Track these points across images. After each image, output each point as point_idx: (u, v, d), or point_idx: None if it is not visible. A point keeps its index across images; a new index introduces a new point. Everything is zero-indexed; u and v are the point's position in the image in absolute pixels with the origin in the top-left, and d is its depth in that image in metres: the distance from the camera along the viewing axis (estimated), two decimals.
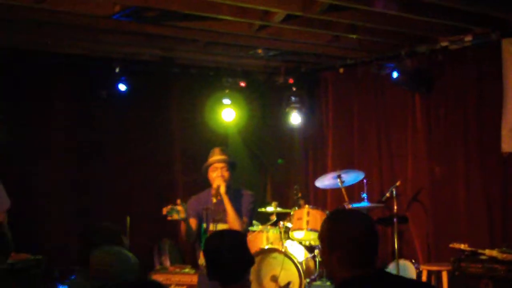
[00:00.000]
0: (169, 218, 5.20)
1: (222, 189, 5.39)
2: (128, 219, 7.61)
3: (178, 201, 5.26)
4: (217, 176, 5.46)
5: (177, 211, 5.18)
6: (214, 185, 5.43)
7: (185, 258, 8.59)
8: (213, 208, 5.37)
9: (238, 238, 3.81)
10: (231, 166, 5.58)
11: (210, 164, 5.54)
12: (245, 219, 5.50)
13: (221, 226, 5.36)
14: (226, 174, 5.50)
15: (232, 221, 5.36)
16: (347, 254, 2.83)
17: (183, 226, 5.32)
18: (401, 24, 6.98)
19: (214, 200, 5.37)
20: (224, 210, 5.41)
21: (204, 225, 5.46)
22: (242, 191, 5.68)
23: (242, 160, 9.44)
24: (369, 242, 2.88)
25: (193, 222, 5.47)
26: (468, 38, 7.34)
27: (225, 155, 5.55)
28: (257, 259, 7.51)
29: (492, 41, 7.21)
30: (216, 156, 5.54)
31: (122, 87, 8.12)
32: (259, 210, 8.06)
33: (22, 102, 7.77)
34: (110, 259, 3.72)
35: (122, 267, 3.70)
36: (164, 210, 5.20)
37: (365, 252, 2.85)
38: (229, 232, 4.14)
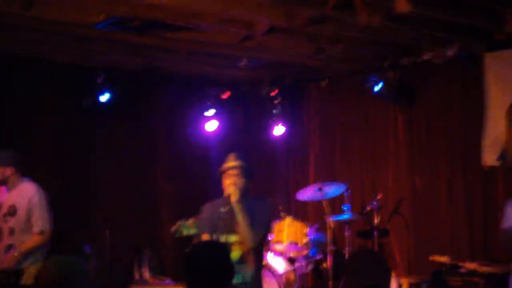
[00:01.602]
0: (177, 235, 5.05)
1: (233, 198, 5.07)
2: (107, 232, 7.56)
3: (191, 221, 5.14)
4: (230, 183, 5.14)
5: (187, 227, 5.06)
6: (226, 193, 5.14)
7: (165, 269, 8.54)
8: (226, 218, 5.07)
9: (220, 250, 3.79)
10: (247, 172, 5.23)
11: (224, 171, 5.22)
12: (259, 231, 5.11)
13: (233, 238, 5.05)
14: (239, 181, 5.14)
15: (243, 233, 5.01)
16: None
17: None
18: (385, 36, 7.01)
19: (223, 209, 5.08)
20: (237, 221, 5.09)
21: (214, 236, 5.12)
22: (258, 199, 5.39)
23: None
24: None
25: (206, 238, 5.14)
26: (451, 51, 7.38)
27: (239, 161, 5.21)
28: None
29: (475, 54, 7.27)
30: (230, 162, 5.22)
31: (105, 96, 8.08)
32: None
33: (4, 110, 7.71)
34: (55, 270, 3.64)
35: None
36: (174, 228, 5.09)
37: None
38: (210, 243, 4.11)
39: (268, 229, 5.42)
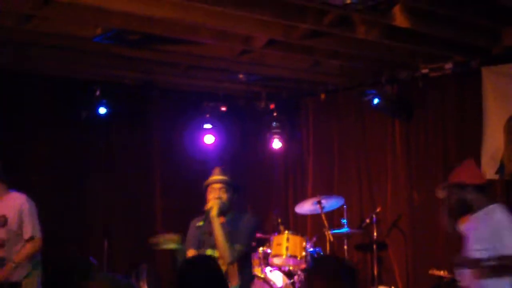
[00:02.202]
0: (154, 248, 4.99)
1: (213, 212, 4.92)
2: (106, 242, 7.54)
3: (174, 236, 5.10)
4: (213, 197, 5.03)
5: (167, 241, 5.00)
6: (207, 206, 4.99)
7: (163, 284, 8.50)
8: (209, 232, 4.96)
9: (212, 266, 3.76)
10: (232, 187, 5.11)
11: (208, 184, 5.11)
12: (237, 246, 4.92)
13: (218, 253, 4.93)
14: (224, 195, 5.03)
15: (221, 248, 4.87)
16: None
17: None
18: (382, 51, 7.02)
19: (201, 223, 4.99)
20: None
21: (200, 251, 5.00)
22: (244, 215, 5.17)
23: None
24: None
25: (191, 254, 4.99)
26: (449, 65, 7.42)
27: (225, 176, 5.09)
28: None
29: (472, 69, 7.28)
30: (215, 176, 5.11)
31: (102, 110, 8.07)
32: None
33: (1, 124, 7.70)
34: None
35: None
36: (154, 240, 5.04)
37: None
38: (203, 259, 4.07)
39: (249, 245, 5.22)
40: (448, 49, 7.00)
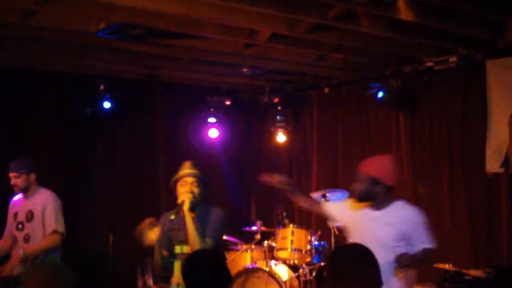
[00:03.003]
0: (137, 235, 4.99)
1: (186, 206, 4.88)
2: (111, 236, 7.55)
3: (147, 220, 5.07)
4: (185, 191, 4.96)
5: (151, 230, 4.98)
6: (179, 200, 4.94)
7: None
8: (178, 227, 4.93)
9: (216, 259, 3.77)
10: (203, 182, 5.05)
11: (179, 178, 5.02)
12: (208, 240, 4.88)
13: (187, 249, 4.89)
14: (196, 190, 4.97)
15: (193, 242, 4.82)
16: None
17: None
18: (387, 44, 7.01)
19: (172, 217, 4.88)
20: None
21: (177, 248, 4.97)
22: (212, 208, 5.09)
23: (227, 178, 9.43)
24: None
25: (165, 254, 4.98)
26: (453, 59, 7.39)
27: (196, 170, 5.03)
28: (241, 278, 7.46)
29: (476, 62, 7.26)
30: (186, 170, 5.02)
31: (106, 104, 8.09)
32: (244, 229, 8.03)
33: (6, 119, 7.71)
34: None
35: None
36: (142, 226, 5.03)
37: None
38: (207, 253, 4.08)
39: (220, 238, 5.22)
40: (453, 42, 6.98)
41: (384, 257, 4.47)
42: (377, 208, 4.86)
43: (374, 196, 4.82)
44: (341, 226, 5.45)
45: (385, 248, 4.62)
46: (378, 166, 4.91)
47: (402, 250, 4.66)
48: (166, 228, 5.01)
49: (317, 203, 5.37)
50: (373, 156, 5.31)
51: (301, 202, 5.35)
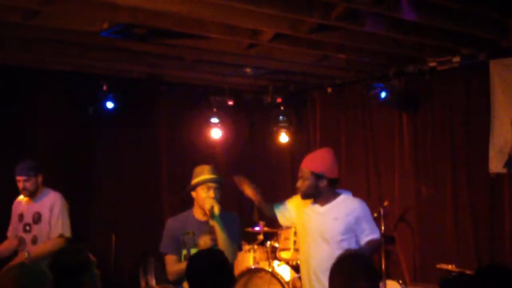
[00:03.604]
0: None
1: (217, 210, 4.82)
2: (113, 237, 7.55)
3: None
4: (209, 196, 4.88)
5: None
6: (207, 206, 4.84)
7: None
8: (192, 231, 4.90)
9: (220, 258, 3.77)
10: (223, 186, 5.01)
11: (201, 183, 4.93)
12: (235, 245, 4.95)
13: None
14: (218, 195, 4.92)
15: (224, 248, 4.65)
16: None
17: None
18: (389, 44, 7.00)
19: (211, 222, 4.82)
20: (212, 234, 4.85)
21: (185, 252, 4.90)
22: (228, 213, 5.02)
23: (230, 179, 9.41)
24: None
25: (170, 259, 4.93)
26: (456, 59, 7.38)
27: (218, 175, 4.97)
28: (243, 279, 7.47)
29: (480, 62, 7.25)
30: (209, 175, 4.93)
31: (109, 104, 8.08)
32: (246, 229, 8.03)
33: (8, 119, 7.71)
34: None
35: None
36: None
37: None
38: (211, 253, 4.08)
39: (240, 243, 5.25)
40: (456, 42, 6.97)
41: (328, 252, 4.70)
42: (322, 204, 4.93)
43: (319, 192, 4.89)
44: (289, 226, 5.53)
45: (331, 243, 4.80)
46: (320, 161, 4.97)
47: (346, 243, 4.77)
48: (178, 233, 4.95)
49: (271, 208, 5.32)
50: (315, 152, 5.27)
51: (264, 209, 5.34)
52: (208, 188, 4.92)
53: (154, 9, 5.66)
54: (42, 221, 6.09)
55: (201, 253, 4.17)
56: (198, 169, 5.03)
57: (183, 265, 4.59)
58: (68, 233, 6.12)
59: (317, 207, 4.95)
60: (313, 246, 4.94)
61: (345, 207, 4.91)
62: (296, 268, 7.70)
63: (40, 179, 6.14)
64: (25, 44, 6.80)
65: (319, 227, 4.89)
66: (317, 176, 4.86)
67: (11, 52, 7.02)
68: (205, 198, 4.90)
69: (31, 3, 5.46)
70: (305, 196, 4.96)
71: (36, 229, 6.11)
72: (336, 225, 4.85)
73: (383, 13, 5.87)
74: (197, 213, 5.01)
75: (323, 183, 4.87)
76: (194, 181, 4.98)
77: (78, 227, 7.70)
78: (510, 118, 7.10)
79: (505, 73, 7.12)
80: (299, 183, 4.95)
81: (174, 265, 4.91)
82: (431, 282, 7.27)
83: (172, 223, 5.06)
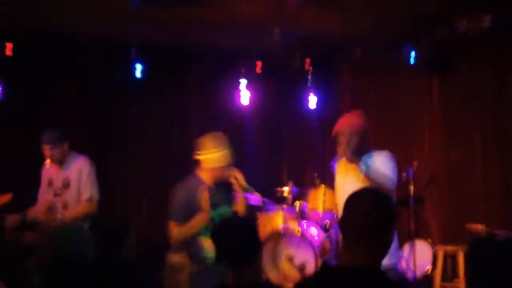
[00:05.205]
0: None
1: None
2: (144, 204, 7.64)
3: None
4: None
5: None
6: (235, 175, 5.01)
7: None
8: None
9: (248, 221, 3.83)
10: None
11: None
12: None
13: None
14: None
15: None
16: None
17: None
18: (419, 5, 6.93)
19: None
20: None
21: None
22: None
23: (259, 143, 9.49)
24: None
25: (173, 226, 4.98)
26: (486, 22, 7.26)
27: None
28: (272, 239, 7.54)
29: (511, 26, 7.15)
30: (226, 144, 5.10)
31: (137, 72, 8.16)
32: (276, 189, 8.08)
33: (35, 87, 7.83)
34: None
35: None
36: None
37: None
38: (237, 216, 4.12)
39: None
40: (486, 4, 6.87)
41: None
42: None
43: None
44: None
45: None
46: (358, 122, 5.13)
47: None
48: (190, 199, 5.01)
49: None
50: (350, 115, 5.36)
51: None
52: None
53: None
54: (71, 186, 6.20)
55: (228, 220, 4.23)
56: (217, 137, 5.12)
57: (189, 229, 4.87)
58: (96, 196, 6.23)
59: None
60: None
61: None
62: (325, 228, 7.77)
63: (66, 146, 6.22)
64: (51, 12, 6.85)
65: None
66: (361, 136, 5.01)
67: (37, 20, 7.07)
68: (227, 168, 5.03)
69: None
70: (352, 157, 4.99)
71: (66, 194, 6.22)
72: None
73: None
74: (207, 178, 5.08)
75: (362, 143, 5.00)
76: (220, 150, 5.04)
77: (108, 196, 7.85)
78: None
79: None
80: (342, 147, 5.01)
81: (180, 230, 4.97)
82: (460, 242, 7.31)
83: (181, 190, 5.09)
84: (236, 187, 5.00)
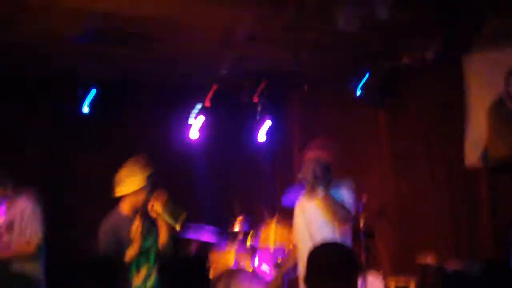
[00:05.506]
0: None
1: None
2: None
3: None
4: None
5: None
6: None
7: None
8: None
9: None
10: None
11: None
12: None
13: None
14: None
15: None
16: None
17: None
18: (363, 41, 7.02)
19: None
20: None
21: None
22: None
23: (208, 178, 9.43)
24: None
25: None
26: (430, 53, 7.40)
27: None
28: (225, 277, 7.44)
29: (453, 57, 7.28)
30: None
31: (85, 107, 8.06)
32: (227, 224, 8.03)
33: None
34: None
35: None
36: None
37: None
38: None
39: None
40: (429, 38, 7.00)
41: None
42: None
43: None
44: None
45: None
46: (322, 150, 5.50)
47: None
48: (119, 233, 5.07)
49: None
50: (315, 142, 5.70)
51: None
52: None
53: (126, 14, 5.65)
54: (14, 228, 5.97)
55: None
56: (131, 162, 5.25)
57: None
58: (35, 240, 5.94)
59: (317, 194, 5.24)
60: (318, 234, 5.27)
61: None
62: (277, 266, 7.71)
63: (9, 187, 6.05)
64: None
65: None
66: (323, 164, 5.31)
67: None
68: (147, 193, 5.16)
69: (4, 9, 5.44)
70: (314, 182, 5.24)
71: (7, 236, 6.02)
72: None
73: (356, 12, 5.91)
74: (125, 210, 5.15)
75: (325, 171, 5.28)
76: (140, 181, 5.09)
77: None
78: (485, 112, 7.16)
79: (479, 67, 7.18)
80: (304, 172, 5.25)
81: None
82: (412, 273, 7.33)
83: (104, 225, 5.15)
84: (154, 214, 4.97)
